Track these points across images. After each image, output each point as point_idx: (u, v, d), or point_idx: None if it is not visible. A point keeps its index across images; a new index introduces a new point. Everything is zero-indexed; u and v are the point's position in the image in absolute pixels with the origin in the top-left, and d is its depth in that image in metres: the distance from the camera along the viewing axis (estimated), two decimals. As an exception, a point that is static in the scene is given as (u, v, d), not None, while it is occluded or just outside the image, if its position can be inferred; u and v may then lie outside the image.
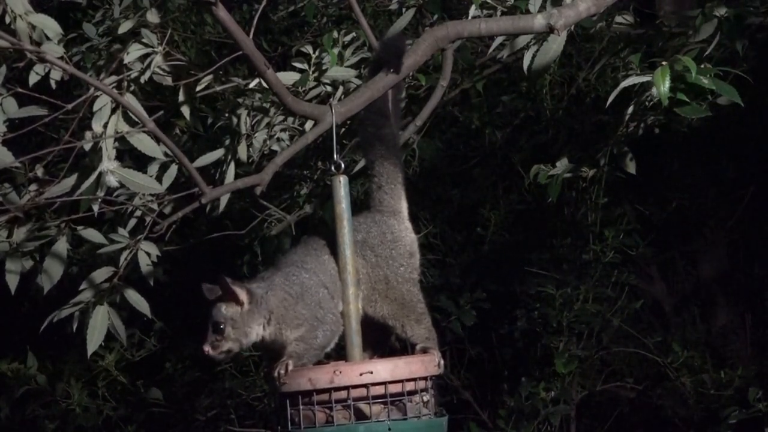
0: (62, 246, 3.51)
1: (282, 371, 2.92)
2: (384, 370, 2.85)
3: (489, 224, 6.83)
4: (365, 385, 2.81)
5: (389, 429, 2.79)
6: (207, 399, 6.91)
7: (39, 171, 3.61)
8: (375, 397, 2.83)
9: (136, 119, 3.41)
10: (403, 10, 4.30)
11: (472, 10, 3.70)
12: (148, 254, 3.45)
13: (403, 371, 2.86)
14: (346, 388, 2.83)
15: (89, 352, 3.40)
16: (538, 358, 6.72)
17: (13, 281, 3.57)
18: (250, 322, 3.03)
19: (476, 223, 6.92)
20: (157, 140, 3.40)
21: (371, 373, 2.83)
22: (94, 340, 3.40)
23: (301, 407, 2.87)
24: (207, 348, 3.02)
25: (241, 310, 3.02)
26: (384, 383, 2.83)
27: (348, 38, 4.22)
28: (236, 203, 5.64)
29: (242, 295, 3.02)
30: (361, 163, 4.34)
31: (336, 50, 4.12)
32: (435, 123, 6.17)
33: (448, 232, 7.01)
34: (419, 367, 2.90)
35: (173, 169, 3.75)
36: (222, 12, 3.03)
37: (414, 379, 2.88)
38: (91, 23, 4.48)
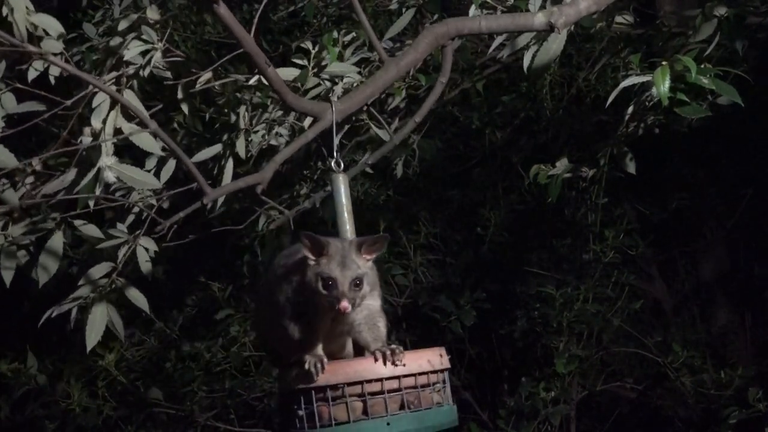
0: (58, 239, 3.50)
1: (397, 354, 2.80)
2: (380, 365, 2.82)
3: (489, 224, 6.83)
4: (360, 383, 2.79)
5: (387, 424, 2.77)
6: (207, 399, 6.90)
7: (37, 165, 3.61)
8: (371, 394, 2.81)
9: (135, 115, 3.41)
10: (403, 10, 4.30)
11: (472, 10, 3.68)
12: (147, 250, 3.44)
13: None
14: (344, 385, 2.80)
15: (88, 347, 3.40)
16: (538, 358, 6.72)
17: (8, 275, 3.56)
18: (376, 280, 2.86)
19: (476, 223, 6.91)
20: (155, 135, 3.40)
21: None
22: (93, 336, 3.40)
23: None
24: (346, 305, 2.72)
25: (372, 266, 2.83)
26: (380, 380, 2.81)
27: (348, 38, 4.22)
28: (236, 203, 5.64)
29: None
30: (361, 163, 4.33)
31: (336, 50, 4.11)
32: (435, 123, 6.17)
33: (448, 232, 7.02)
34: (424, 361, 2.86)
35: (171, 164, 3.74)
36: (223, 9, 3.03)
37: (413, 375, 2.86)
38: (91, 23, 4.47)
